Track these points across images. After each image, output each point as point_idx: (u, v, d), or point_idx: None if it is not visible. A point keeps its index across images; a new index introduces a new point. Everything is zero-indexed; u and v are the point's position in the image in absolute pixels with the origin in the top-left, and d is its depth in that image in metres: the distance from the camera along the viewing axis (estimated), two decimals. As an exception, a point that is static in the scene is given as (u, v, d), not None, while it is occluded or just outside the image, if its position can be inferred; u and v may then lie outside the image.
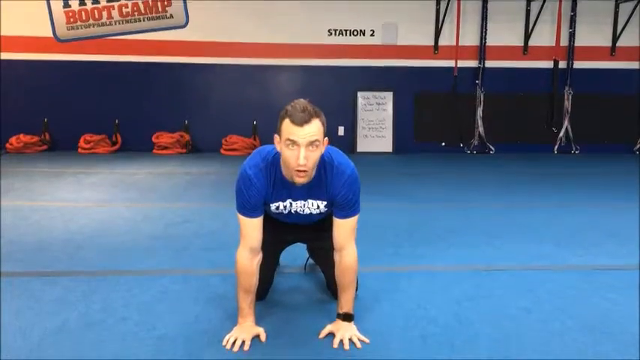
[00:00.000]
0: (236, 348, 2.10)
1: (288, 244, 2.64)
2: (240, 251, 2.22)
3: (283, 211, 2.26)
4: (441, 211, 4.55)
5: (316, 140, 1.99)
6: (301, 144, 1.98)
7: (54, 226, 3.91)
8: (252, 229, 2.19)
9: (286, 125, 1.99)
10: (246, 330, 2.17)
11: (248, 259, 2.20)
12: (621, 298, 2.65)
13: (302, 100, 2.04)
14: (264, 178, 2.14)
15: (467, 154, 8.36)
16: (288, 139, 1.99)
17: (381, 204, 4.68)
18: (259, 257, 2.24)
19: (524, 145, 8.49)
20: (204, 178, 6.11)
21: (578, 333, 2.27)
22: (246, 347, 2.11)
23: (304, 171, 2.03)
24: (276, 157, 2.15)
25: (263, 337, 2.17)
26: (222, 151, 8.13)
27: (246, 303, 2.21)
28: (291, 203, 2.24)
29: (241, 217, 2.19)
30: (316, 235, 2.49)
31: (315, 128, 1.99)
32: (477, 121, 8.43)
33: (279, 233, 2.48)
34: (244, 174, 2.15)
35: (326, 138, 2.08)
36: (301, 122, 1.96)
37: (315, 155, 2.02)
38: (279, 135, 2.04)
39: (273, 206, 2.25)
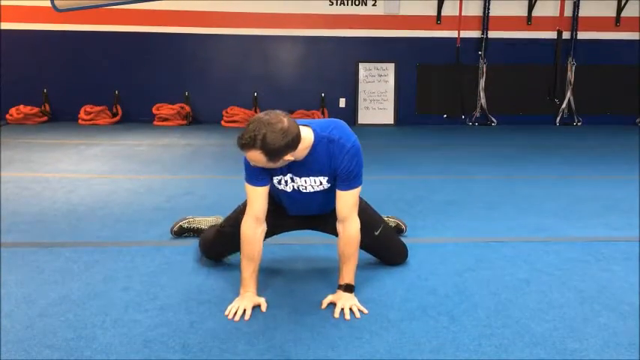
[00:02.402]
0: (237, 317, 2.13)
1: (291, 228, 2.63)
2: (244, 219, 2.26)
3: (285, 186, 2.28)
4: (441, 183, 4.55)
5: (264, 164, 2.07)
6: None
7: (56, 197, 3.92)
8: (257, 197, 2.23)
9: None
10: (247, 299, 2.20)
11: (252, 227, 2.24)
12: (621, 269, 2.67)
13: (270, 115, 2.01)
14: None
15: (469, 126, 8.33)
16: None
17: (382, 176, 4.68)
18: (263, 227, 2.28)
19: (526, 117, 8.45)
20: (205, 149, 6.10)
21: (578, 304, 2.30)
22: (246, 316, 2.14)
23: None
24: None
25: (264, 307, 2.20)
26: (222, 122, 8.09)
27: (248, 272, 2.24)
28: (292, 178, 2.26)
29: (247, 185, 2.24)
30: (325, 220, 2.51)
31: (253, 157, 2.03)
32: (479, 93, 8.37)
33: (286, 218, 2.51)
34: None
35: (288, 155, 2.06)
36: (239, 146, 2.02)
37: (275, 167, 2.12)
38: None
39: (275, 180, 2.27)
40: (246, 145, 2.00)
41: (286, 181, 2.27)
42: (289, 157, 2.08)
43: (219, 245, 2.60)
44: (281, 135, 1.99)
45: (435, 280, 2.52)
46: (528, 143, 6.79)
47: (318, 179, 2.25)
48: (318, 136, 2.16)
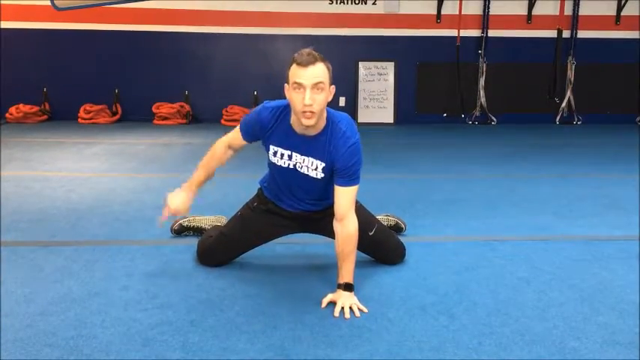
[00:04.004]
0: (163, 218, 2.52)
1: (289, 231, 2.64)
2: (219, 141, 2.53)
3: (280, 160, 2.33)
4: (441, 181, 4.55)
5: (320, 82, 2.12)
6: (307, 86, 2.10)
7: (56, 196, 3.92)
8: (238, 140, 2.47)
9: (293, 69, 2.13)
10: (177, 198, 2.52)
11: (222, 149, 2.52)
12: (621, 268, 2.67)
13: (307, 48, 2.16)
14: (274, 115, 2.30)
15: (468, 125, 8.32)
16: (295, 82, 2.11)
17: (382, 175, 4.68)
18: (231, 153, 2.54)
19: (526, 116, 8.44)
20: (204, 148, 6.01)
21: (578, 303, 2.30)
22: (163, 215, 2.51)
23: (311, 112, 2.13)
24: (289, 107, 2.26)
25: (183, 212, 2.53)
26: (222, 121, 8.08)
27: (197, 177, 2.55)
28: (290, 156, 2.31)
29: (238, 129, 2.45)
30: (318, 221, 2.53)
31: (319, 71, 2.11)
32: (478, 92, 8.37)
33: (284, 220, 2.55)
34: (263, 106, 2.35)
35: (332, 86, 2.19)
36: (306, 64, 2.09)
37: (320, 98, 2.13)
38: (287, 81, 2.16)
39: (272, 150, 2.33)
40: (320, 58, 2.13)
41: (282, 155, 2.32)
42: (332, 91, 2.19)
43: (218, 251, 2.60)
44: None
45: (435, 279, 2.52)
46: (528, 142, 6.79)
47: (315, 162, 2.29)
48: (329, 119, 2.25)
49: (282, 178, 2.41)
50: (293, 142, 2.28)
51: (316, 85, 2.10)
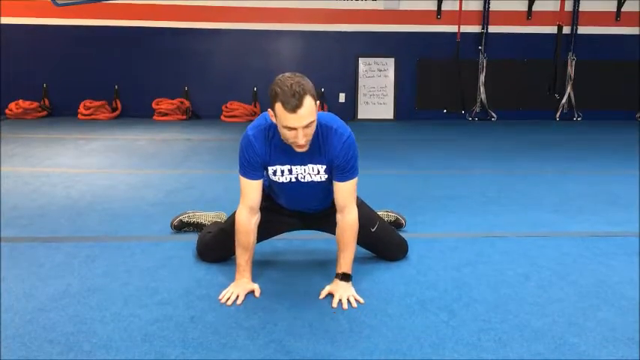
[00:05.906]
0: (229, 302, 2.20)
1: (290, 228, 2.63)
2: (239, 210, 2.31)
3: (281, 177, 2.29)
4: (441, 178, 4.55)
5: (311, 121, 2.05)
6: (298, 128, 2.04)
7: (55, 192, 3.92)
8: (251, 189, 2.28)
9: (280, 111, 2.02)
10: (241, 286, 2.27)
11: (246, 217, 2.29)
12: (620, 264, 2.68)
13: (288, 76, 2.04)
14: (264, 138, 2.22)
15: (468, 121, 8.32)
16: (285, 126, 2.04)
17: (382, 171, 4.68)
18: (257, 216, 2.33)
19: (526, 112, 8.44)
20: (204, 144, 6.10)
21: (577, 299, 2.30)
22: (239, 301, 2.21)
23: (303, 145, 2.11)
24: (271, 124, 2.20)
25: (257, 293, 2.27)
26: (222, 117, 8.09)
27: (244, 260, 2.31)
28: (290, 170, 2.27)
29: (241, 178, 2.29)
30: (323, 218, 2.52)
31: (307, 110, 2.02)
32: (479, 88, 8.37)
33: (281, 217, 2.53)
34: (245, 134, 2.25)
35: (317, 102, 2.11)
36: (294, 108, 1.99)
37: (311, 130, 2.10)
38: (274, 114, 2.07)
39: (271, 170, 2.28)
40: (304, 90, 1.99)
41: (282, 171, 2.28)
42: (317, 106, 2.09)
43: (218, 247, 2.60)
44: (307, 80, 2.07)
45: (435, 275, 2.52)
46: (528, 138, 6.78)
47: (316, 167, 2.27)
48: (317, 123, 2.19)
49: (285, 192, 2.38)
50: (290, 156, 2.23)
51: (307, 125, 2.05)
